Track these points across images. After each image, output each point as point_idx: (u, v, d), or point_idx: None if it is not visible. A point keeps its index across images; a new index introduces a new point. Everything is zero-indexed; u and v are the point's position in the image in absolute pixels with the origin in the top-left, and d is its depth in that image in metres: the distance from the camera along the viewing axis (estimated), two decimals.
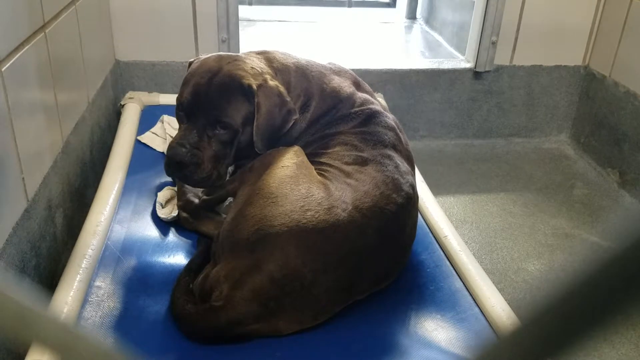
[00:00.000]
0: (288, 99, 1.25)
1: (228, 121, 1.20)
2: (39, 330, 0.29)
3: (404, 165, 1.24)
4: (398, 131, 1.31)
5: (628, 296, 0.21)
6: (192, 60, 1.31)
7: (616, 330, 0.21)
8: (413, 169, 1.30)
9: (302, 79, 1.31)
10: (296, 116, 1.26)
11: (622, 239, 0.20)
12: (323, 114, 1.29)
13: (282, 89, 1.25)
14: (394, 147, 1.26)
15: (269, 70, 1.27)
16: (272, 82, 1.24)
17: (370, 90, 1.41)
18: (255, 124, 1.21)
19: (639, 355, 1.46)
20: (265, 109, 1.21)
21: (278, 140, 1.26)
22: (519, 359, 0.24)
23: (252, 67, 1.24)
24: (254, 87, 1.20)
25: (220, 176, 1.24)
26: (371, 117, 1.29)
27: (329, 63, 1.40)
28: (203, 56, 1.29)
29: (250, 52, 1.33)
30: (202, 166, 1.20)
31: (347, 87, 1.33)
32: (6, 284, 0.27)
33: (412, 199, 1.21)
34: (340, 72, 1.38)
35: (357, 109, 1.30)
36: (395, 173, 1.19)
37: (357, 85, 1.37)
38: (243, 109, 1.21)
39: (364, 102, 1.31)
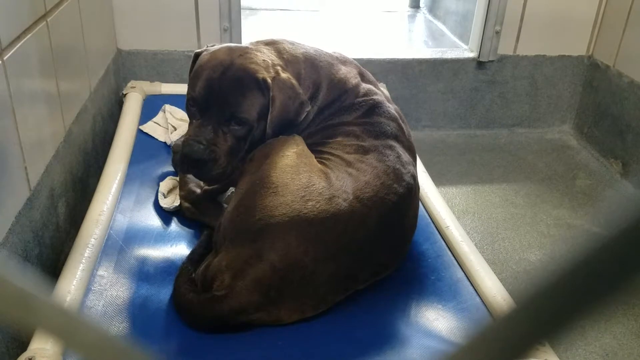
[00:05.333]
0: (300, 91, 1.24)
1: (244, 117, 1.18)
2: (43, 317, 0.29)
3: (405, 156, 1.24)
4: (400, 122, 1.31)
5: (621, 280, 0.21)
6: (198, 51, 1.28)
7: (609, 315, 0.21)
8: (414, 160, 1.30)
9: (311, 70, 1.29)
10: (309, 108, 1.25)
11: (615, 223, 0.21)
12: (329, 105, 1.29)
13: (294, 81, 1.23)
14: (396, 138, 1.25)
15: (280, 62, 1.25)
16: (284, 75, 1.22)
17: (374, 80, 1.40)
18: (269, 117, 1.19)
19: (639, 345, 1.46)
20: (280, 103, 1.19)
21: (289, 131, 1.25)
22: (514, 340, 0.24)
23: (263, 60, 1.22)
24: (269, 81, 1.18)
25: (233, 170, 1.23)
26: (374, 107, 1.28)
27: (334, 52, 1.39)
28: (210, 47, 1.26)
29: (259, 42, 1.31)
30: (218, 162, 1.19)
31: (353, 77, 1.32)
32: (9, 272, 0.28)
33: (412, 189, 1.21)
34: (345, 62, 1.37)
35: (360, 99, 1.29)
36: (397, 163, 1.19)
37: (362, 76, 1.36)
38: (257, 104, 1.19)
39: (367, 93, 1.31)
